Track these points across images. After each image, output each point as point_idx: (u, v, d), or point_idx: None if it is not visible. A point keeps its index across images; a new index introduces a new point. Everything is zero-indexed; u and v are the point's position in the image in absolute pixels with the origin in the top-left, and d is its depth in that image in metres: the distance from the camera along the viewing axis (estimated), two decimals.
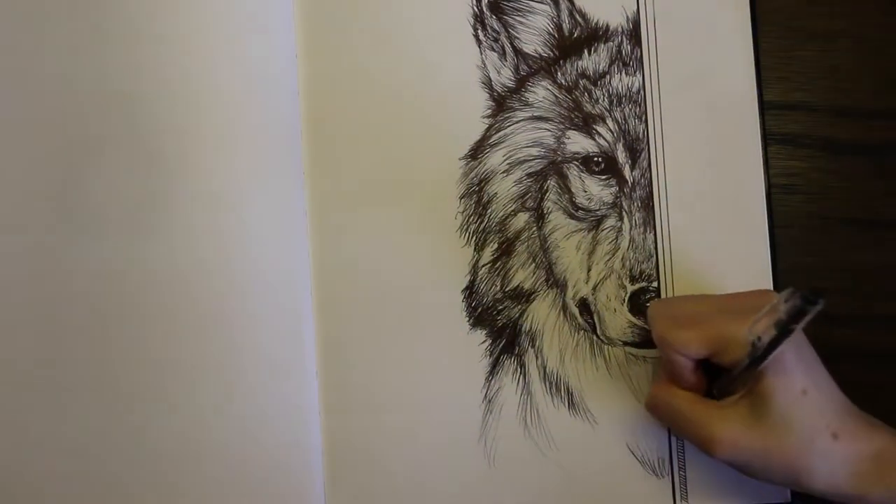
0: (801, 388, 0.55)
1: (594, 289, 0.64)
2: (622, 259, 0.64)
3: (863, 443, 0.55)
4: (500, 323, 0.64)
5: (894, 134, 0.66)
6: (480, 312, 0.64)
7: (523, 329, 0.64)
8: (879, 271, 0.65)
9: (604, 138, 0.65)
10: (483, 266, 0.65)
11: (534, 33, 0.66)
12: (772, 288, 0.64)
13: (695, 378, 0.58)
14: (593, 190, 0.65)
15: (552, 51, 0.66)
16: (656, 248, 0.64)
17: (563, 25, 0.66)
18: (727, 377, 0.57)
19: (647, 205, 0.65)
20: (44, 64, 0.64)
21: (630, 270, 0.64)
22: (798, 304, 0.48)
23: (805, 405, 0.55)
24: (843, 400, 0.57)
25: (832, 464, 0.55)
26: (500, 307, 0.65)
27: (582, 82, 0.65)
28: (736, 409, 0.56)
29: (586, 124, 0.65)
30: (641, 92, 0.65)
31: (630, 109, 0.65)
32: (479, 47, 0.65)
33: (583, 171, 0.65)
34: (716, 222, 0.64)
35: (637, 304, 0.64)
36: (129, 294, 0.63)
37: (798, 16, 0.67)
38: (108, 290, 0.63)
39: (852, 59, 0.66)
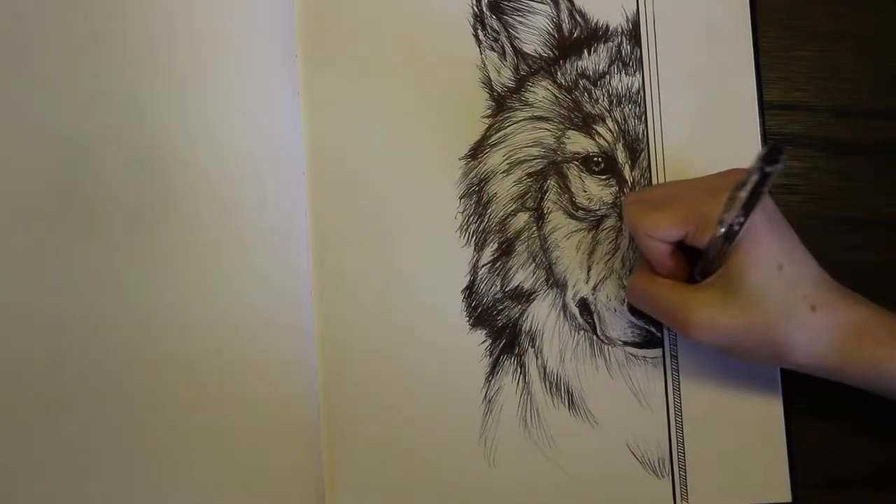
0: (777, 262, 0.55)
1: (594, 289, 0.64)
2: (622, 259, 0.64)
3: (841, 313, 0.55)
4: (500, 323, 0.64)
5: (894, 134, 0.66)
6: (480, 312, 0.64)
7: (523, 329, 0.64)
8: (879, 271, 0.65)
9: (604, 138, 0.65)
10: (483, 266, 0.65)
11: (534, 33, 0.66)
12: None
13: (673, 263, 0.58)
14: (593, 190, 0.65)
15: (552, 51, 0.66)
16: None
17: (563, 25, 0.66)
18: (704, 258, 0.57)
19: None
20: (43, 64, 0.64)
21: (630, 270, 0.64)
22: (761, 165, 0.47)
23: (781, 279, 0.55)
24: (820, 272, 0.56)
25: (812, 336, 0.55)
26: (500, 307, 0.64)
27: (582, 82, 0.65)
28: (712, 289, 0.56)
29: (586, 124, 0.65)
30: (641, 92, 0.65)
31: (630, 109, 0.65)
32: (479, 47, 0.65)
33: (583, 171, 0.65)
34: None
35: None
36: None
37: (798, 16, 0.67)
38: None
39: (852, 59, 0.66)
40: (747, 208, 0.51)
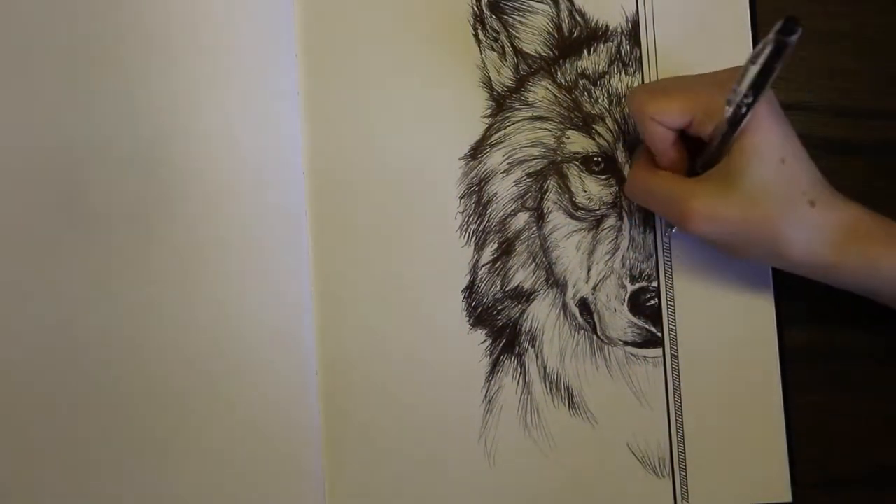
0: (780, 156, 0.55)
1: (594, 288, 0.64)
2: (622, 259, 0.64)
3: (839, 211, 0.56)
4: (500, 323, 0.64)
5: (894, 134, 0.66)
6: (480, 312, 0.64)
7: (523, 329, 0.64)
8: None
9: (603, 138, 0.65)
10: (483, 266, 0.65)
11: (534, 33, 0.66)
12: (771, 284, 0.64)
13: (675, 153, 0.58)
14: (593, 189, 0.65)
15: (552, 50, 0.66)
16: (656, 247, 0.64)
17: (563, 25, 0.66)
18: (707, 149, 0.57)
19: None
20: (42, 63, 0.64)
21: (630, 270, 0.64)
22: (776, 37, 0.47)
23: (783, 173, 0.55)
24: (818, 172, 0.57)
25: (810, 231, 0.55)
26: (500, 307, 0.65)
27: (581, 82, 0.65)
28: (713, 180, 0.56)
29: (586, 124, 0.65)
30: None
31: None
32: (479, 47, 0.65)
33: (583, 171, 0.65)
34: None
35: (637, 303, 0.64)
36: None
37: (798, 15, 0.66)
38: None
39: (852, 59, 0.66)
40: (757, 86, 0.50)
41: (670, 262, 0.64)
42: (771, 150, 0.55)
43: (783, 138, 0.55)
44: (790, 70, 0.66)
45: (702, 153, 0.58)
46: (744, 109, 0.52)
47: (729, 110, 0.53)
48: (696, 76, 0.59)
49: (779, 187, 0.55)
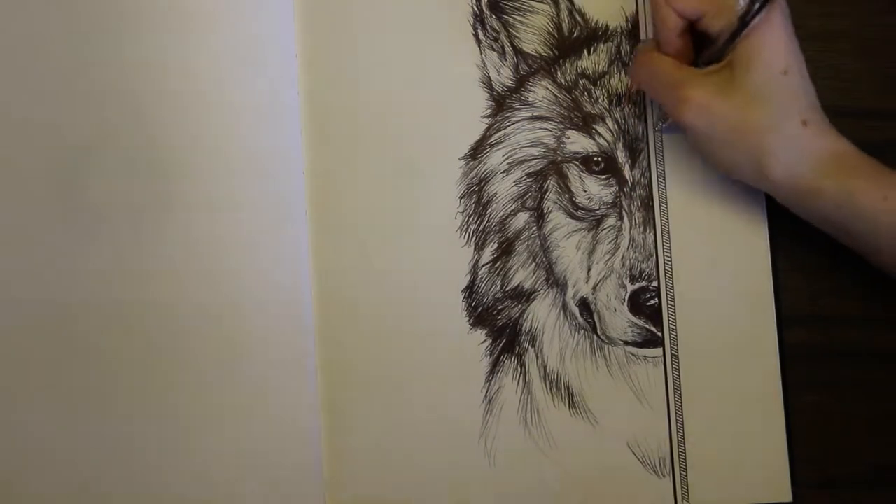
0: (784, 67, 0.55)
1: (594, 288, 0.64)
2: (622, 258, 0.64)
3: (829, 138, 0.56)
4: (500, 323, 0.64)
5: (894, 134, 0.66)
6: (481, 312, 0.64)
7: (523, 329, 0.64)
8: (879, 271, 0.65)
9: (603, 138, 0.65)
10: (483, 266, 0.65)
11: (534, 33, 0.66)
12: (771, 285, 0.64)
13: (681, 43, 0.59)
14: (593, 189, 0.65)
15: (552, 50, 0.66)
16: (656, 247, 0.64)
17: (563, 25, 0.66)
18: (713, 46, 0.57)
19: (647, 204, 0.65)
20: (46, 65, 0.64)
21: (630, 270, 0.64)
22: None
23: (783, 85, 0.55)
24: (816, 96, 0.57)
25: (798, 151, 0.56)
26: (501, 307, 0.64)
27: (581, 82, 0.65)
28: (715, 75, 0.57)
29: (586, 124, 0.65)
30: (641, 92, 0.65)
31: (629, 109, 0.65)
32: (479, 47, 0.65)
33: (583, 171, 0.65)
34: (716, 221, 0.64)
35: (637, 303, 0.64)
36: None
37: (798, 16, 0.66)
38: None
39: (852, 59, 0.66)
40: None
41: (671, 261, 0.64)
42: (776, 57, 0.55)
43: (790, 50, 0.56)
44: None
45: (707, 48, 0.58)
46: (757, 5, 0.53)
47: (741, 5, 0.54)
48: None
49: (777, 97, 0.55)
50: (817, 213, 0.57)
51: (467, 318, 0.64)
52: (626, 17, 0.66)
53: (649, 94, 0.63)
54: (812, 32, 0.66)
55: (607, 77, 0.65)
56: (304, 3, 0.65)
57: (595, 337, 0.64)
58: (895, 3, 0.67)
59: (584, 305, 0.64)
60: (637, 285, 0.64)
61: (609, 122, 0.65)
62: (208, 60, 0.64)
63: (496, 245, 0.65)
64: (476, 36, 0.66)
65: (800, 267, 0.65)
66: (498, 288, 0.65)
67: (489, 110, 0.65)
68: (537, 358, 0.64)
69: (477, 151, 0.65)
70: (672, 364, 0.64)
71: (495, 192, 0.65)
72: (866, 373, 0.65)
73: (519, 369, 0.64)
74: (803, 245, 0.65)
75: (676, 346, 0.64)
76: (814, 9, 0.66)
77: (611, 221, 0.65)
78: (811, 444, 0.64)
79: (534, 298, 0.65)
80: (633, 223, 0.65)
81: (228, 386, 0.63)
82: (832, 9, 0.66)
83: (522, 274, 0.65)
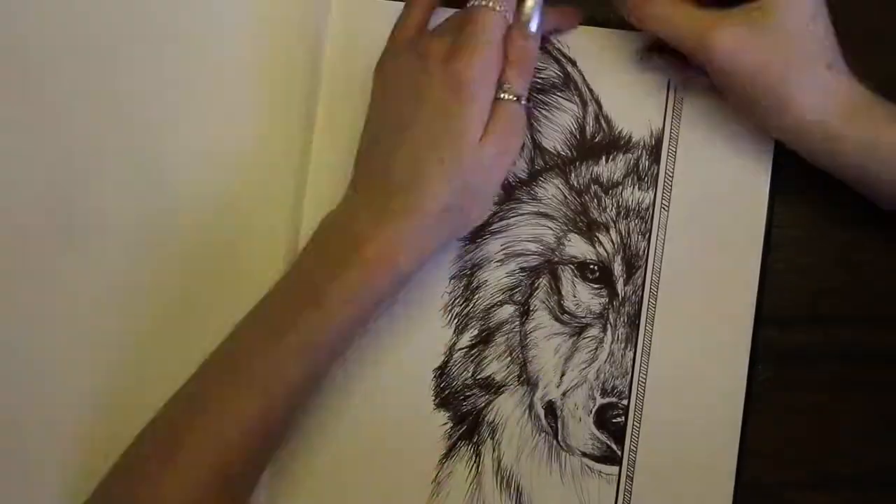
0: (812, 12, 0.57)
1: (564, 394, 0.64)
2: (597, 371, 0.64)
3: (851, 83, 0.57)
4: (464, 409, 0.65)
5: None
6: (447, 394, 0.65)
7: (486, 419, 0.65)
8: (879, 271, 0.64)
9: (604, 247, 0.64)
10: (459, 350, 0.65)
11: (556, 130, 0.65)
12: (740, 419, 0.64)
13: None
14: (583, 297, 0.64)
15: (571, 151, 0.65)
16: (633, 366, 0.64)
17: (587, 128, 0.65)
18: None
19: (633, 322, 0.64)
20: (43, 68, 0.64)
21: (603, 384, 0.64)
22: None
23: (810, 29, 0.56)
24: (836, 41, 0.58)
25: (823, 95, 0.56)
26: (468, 393, 0.65)
27: (594, 188, 0.65)
28: (740, 16, 0.57)
29: (589, 230, 0.65)
30: (651, 210, 0.64)
31: (635, 224, 0.64)
32: None
33: (576, 276, 0.65)
34: (698, 356, 0.64)
35: (603, 418, 0.64)
36: None
37: None
38: None
39: (852, 59, 0.65)
40: None
41: (645, 383, 0.64)
42: (805, 4, 0.56)
43: None
44: None
45: None
46: None
47: None
48: None
49: (804, 42, 0.56)
50: (839, 160, 0.58)
51: (433, 398, 0.64)
52: (651, 132, 0.65)
53: (666, 38, 0.59)
54: None
55: (620, 188, 0.65)
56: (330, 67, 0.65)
57: (555, 442, 0.64)
58: (895, 3, 0.66)
59: (551, 409, 0.64)
60: (606, 400, 0.64)
61: (612, 233, 0.64)
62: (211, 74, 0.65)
63: (476, 332, 0.65)
64: None
65: (799, 267, 0.64)
66: (469, 374, 0.65)
67: (496, 198, 0.65)
68: (493, 451, 0.64)
69: (476, 236, 0.65)
70: (626, 485, 0.64)
71: (486, 280, 0.65)
72: (866, 373, 0.64)
73: (474, 458, 0.64)
74: (803, 245, 0.65)
75: (633, 468, 0.64)
76: None
77: (593, 332, 0.64)
78: (811, 444, 0.64)
79: (502, 392, 0.65)
80: (616, 338, 0.64)
81: None
82: (832, 9, 0.64)
83: (496, 366, 0.65)
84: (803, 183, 0.64)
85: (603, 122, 0.65)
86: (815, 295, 0.63)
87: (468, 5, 0.58)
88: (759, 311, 0.64)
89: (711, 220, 0.64)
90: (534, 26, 0.59)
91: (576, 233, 0.65)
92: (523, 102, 0.59)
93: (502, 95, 0.57)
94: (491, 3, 0.57)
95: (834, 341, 0.64)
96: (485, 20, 0.57)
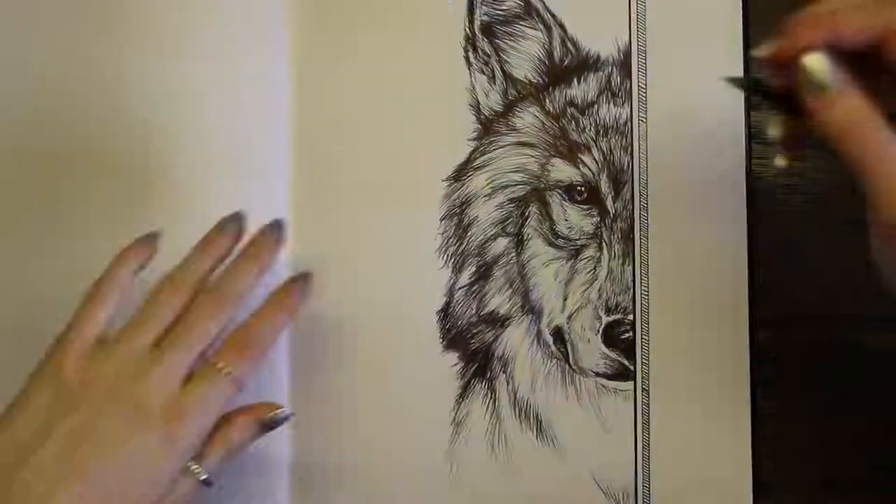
0: None
1: (569, 318, 0.64)
2: (599, 290, 0.64)
3: None
4: (473, 347, 0.65)
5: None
6: (454, 335, 0.65)
7: (496, 354, 0.65)
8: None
9: (588, 168, 0.65)
10: (460, 289, 0.65)
11: (524, 59, 0.65)
12: (747, 320, 0.64)
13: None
14: (574, 219, 0.65)
15: (542, 77, 0.65)
16: (634, 280, 0.64)
17: (555, 53, 0.65)
18: None
19: (628, 237, 0.64)
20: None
21: (606, 302, 0.64)
22: None
23: None
24: None
25: None
26: (475, 331, 0.65)
27: (570, 110, 0.65)
28: None
29: (571, 153, 0.65)
30: (629, 123, 0.65)
31: (616, 140, 0.65)
32: (469, 70, 0.65)
33: (565, 200, 0.65)
34: (696, 258, 0.64)
35: (611, 335, 0.64)
36: None
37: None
38: None
39: None
40: None
41: (647, 295, 0.64)
42: None
43: None
44: None
45: None
46: None
47: None
48: None
49: None
50: None
51: (440, 340, 0.65)
52: (619, 47, 0.65)
53: (843, 152, 0.45)
54: None
55: (596, 107, 0.65)
56: (294, 19, 0.65)
57: (567, 366, 0.64)
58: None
59: (558, 334, 0.64)
60: (612, 318, 0.64)
61: (595, 152, 0.65)
62: (194, 62, 0.65)
63: (474, 269, 0.65)
64: (467, 58, 0.65)
65: (799, 267, 0.64)
66: (473, 312, 0.65)
67: (475, 133, 0.65)
68: (508, 384, 0.64)
69: (461, 174, 0.65)
70: (642, 398, 0.64)
71: (476, 216, 0.65)
72: (866, 373, 0.64)
73: (489, 394, 0.64)
74: (803, 245, 0.65)
75: (648, 380, 0.64)
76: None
77: (590, 252, 0.65)
78: (812, 444, 0.64)
79: (508, 324, 0.65)
80: (613, 255, 0.64)
81: None
82: None
83: (498, 299, 0.65)
84: (801, 182, 0.65)
85: (570, 44, 0.65)
86: (815, 295, 0.64)
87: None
88: (756, 313, 0.64)
89: (691, 124, 0.65)
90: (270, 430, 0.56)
91: (558, 157, 0.65)
92: (209, 482, 0.54)
93: (193, 467, 0.52)
94: (225, 369, 0.53)
95: (834, 341, 0.64)
96: (216, 387, 0.53)
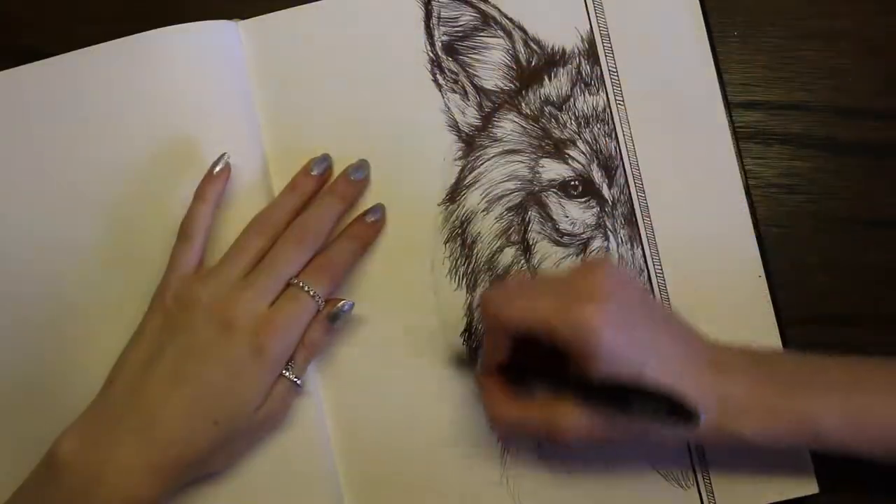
0: (637, 371, 0.54)
1: None
2: None
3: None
4: None
5: (894, 134, 0.65)
6: None
7: None
8: (880, 271, 0.64)
9: (577, 161, 0.65)
10: (478, 306, 0.65)
11: (492, 68, 0.66)
12: (767, 289, 0.63)
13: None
14: (575, 214, 0.65)
15: (513, 83, 0.66)
16: (646, 261, 0.64)
17: (520, 56, 0.66)
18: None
19: (631, 221, 0.64)
20: None
21: None
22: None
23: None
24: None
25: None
26: None
27: (547, 109, 0.65)
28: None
29: (558, 150, 0.65)
30: (607, 110, 0.65)
31: (599, 129, 0.65)
32: (440, 91, 0.66)
33: (562, 197, 0.65)
34: (701, 227, 0.64)
35: None
36: None
37: (799, 16, 0.66)
38: None
39: (852, 59, 0.65)
40: None
41: (662, 274, 0.64)
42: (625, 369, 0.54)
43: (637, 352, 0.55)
44: (791, 70, 0.66)
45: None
46: None
47: None
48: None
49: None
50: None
51: (471, 361, 0.65)
52: (582, 37, 0.65)
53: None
54: (812, 32, 0.66)
55: (572, 100, 0.65)
56: (261, 62, 0.66)
57: None
58: (895, 3, 0.66)
59: None
60: None
61: (580, 144, 0.65)
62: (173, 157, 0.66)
63: (488, 284, 0.65)
64: (436, 81, 0.66)
65: (799, 267, 0.64)
66: None
67: (460, 152, 0.66)
68: None
69: (454, 195, 0.66)
70: None
71: (479, 232, 0.65)
72: None
73: None
74: (803, 245, 0.65)
75: None
76: (814, 9, 0.66)
77: (597, 243, 0.65)
78: None
79: None
80: (620, 241, 0.64)
81: None
82: (833, 8, 0.66)
83: None
84: (802, 182, 0.65)
85: (533, 44, 0.66)
86: (816, 295, 0.64)
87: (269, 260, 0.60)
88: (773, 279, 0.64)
89: (668, 95, 0.65)
90: (338, 324, 0.61)
91: (546, 157, 0.65)
92: (298, 384, 0.61)
93: (286, 373, 0.60)
94: (307, 288, 0.60)
95: (835, 341, 0.64)
96: (299, 304, 0.60)
